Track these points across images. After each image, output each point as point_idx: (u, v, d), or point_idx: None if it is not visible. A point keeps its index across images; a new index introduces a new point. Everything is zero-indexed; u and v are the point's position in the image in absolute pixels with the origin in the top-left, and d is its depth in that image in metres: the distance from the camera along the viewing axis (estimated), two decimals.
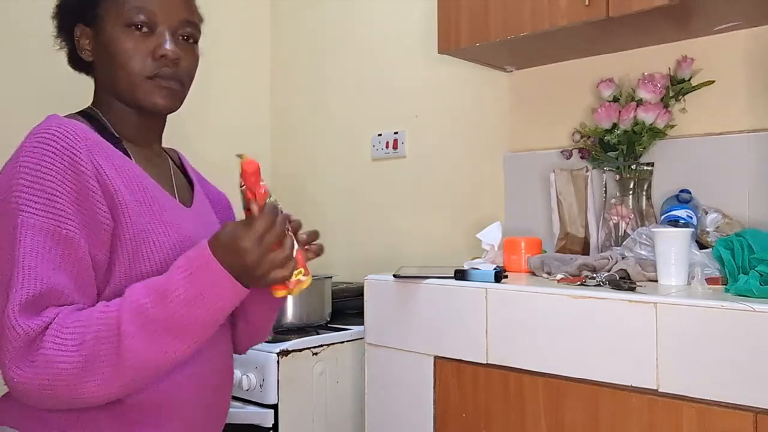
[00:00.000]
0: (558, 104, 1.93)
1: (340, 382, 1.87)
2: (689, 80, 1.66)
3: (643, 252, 1.49)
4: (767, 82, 1.59)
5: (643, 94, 1.66)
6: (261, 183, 0.90)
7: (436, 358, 1.50)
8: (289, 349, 1.72)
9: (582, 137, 1.82)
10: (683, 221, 1.55)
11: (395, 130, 2.34)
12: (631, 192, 1.69)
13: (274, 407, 1.70)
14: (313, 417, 1.80)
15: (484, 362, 1.40)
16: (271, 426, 1.70)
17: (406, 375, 1.56)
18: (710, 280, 1.33)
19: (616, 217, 1.68)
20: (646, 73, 1.69)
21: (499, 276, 1.44)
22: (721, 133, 1.65)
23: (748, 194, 1.60)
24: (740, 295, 1.17)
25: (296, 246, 0.94)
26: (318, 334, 1.86)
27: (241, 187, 0.89)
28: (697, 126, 1.68)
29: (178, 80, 1.00)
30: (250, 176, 0.88)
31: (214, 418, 1.04)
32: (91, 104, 1.04)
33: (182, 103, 1.04)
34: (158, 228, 0.94)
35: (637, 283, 1.31)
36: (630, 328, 1.20)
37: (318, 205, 2.60)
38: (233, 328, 1.12)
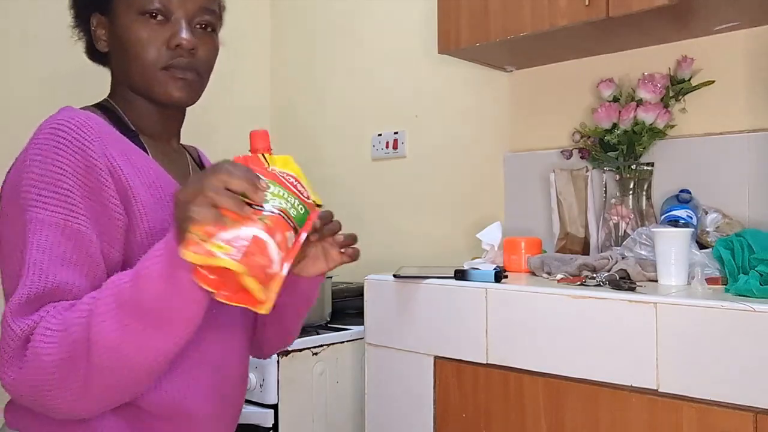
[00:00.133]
0: (558, 104, 1.93)
1: (340, 382, 1.87)
2: (689, 80, 1.66)
3: (643, 252, 1.49)
4: (767, 82, 1.59)
5: (643, 94, 1.66)
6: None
7: (436, 358, 1.50)
8: (289, 349, 1.72)
9: (582, 137, 1.82)
10: (683, 221, 1.55)
11: (395, 130, 2.34)
12: (631, 192, 1.69)
13: (274, 407, 1.70)
14: (313, 417, 1.80)
15: (484, 362, 1.40)
16: (271, 426, 1.70)
17: (406, 375, 1.56)
18: (710, 280, 1.33)
19: (616, 217, 1.68)
20: (646, 73, 1.69)
21: (499, 276, 1.44)
22: (721, 133, 1.65)
23: (748, 194, 1.60)
24: (740, 295, 1.17)
25: (258, 233, 0.71)
26: (318, 334, 1.86)
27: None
28: (697, 126, 1.68)
29: (194, 71, 0.95)
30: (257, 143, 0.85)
31: (224, 427, 1.01)
32: (108, 96, 1.00)
33: (200, 95, 0.99)
34: None
35: (637, 283, 1.31)
36: (630, 328, 1.20)
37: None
38: (262, 329, 1.10)
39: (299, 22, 2.69)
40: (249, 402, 1.73)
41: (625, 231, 1.66)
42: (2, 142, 2.02)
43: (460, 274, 1.48)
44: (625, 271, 1.39)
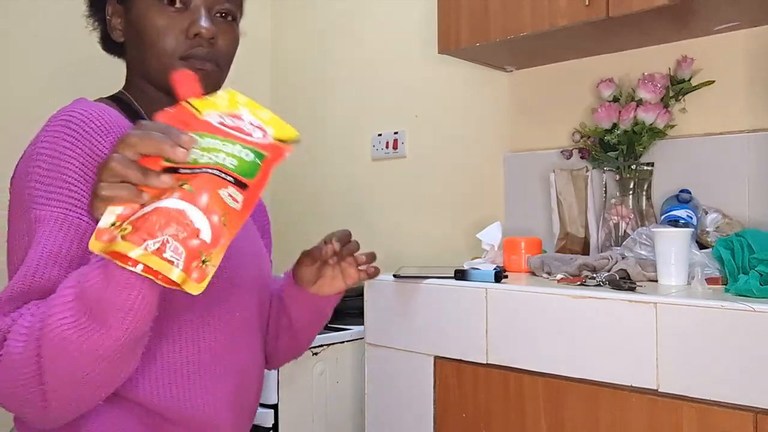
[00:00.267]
0: (558, 104, 1.93)
1: (340, 382, 1.87)
2: (689, 80, 1.66)
3: (643, 252, 1.49)
4: (767, 82, 1.59)
5: (643, 94, 1.66)
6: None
7: (436, 358, 1.50)
8: None
9: (582, 137, 1.82)
10: (683, 221, 1.55)
11: (395, 130, 2.34)
12: (631, 192, 1.69)
13: (274, 407, 1.70)
14: (313, 417, 1.80)
15: (484, 362, 1.40)
16: (271, 426, 1.70)
17: (406, 375, 1.55)
18: (710, 280, 1.32)
19: (616, 217, 1.68)
20: (646, 73, 1.69)
21: (499, 276, 1.44)
22: (721, 133, 1.65)
23: (748, 194, 1.60)
24: (740, 295, 1.17)
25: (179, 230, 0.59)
26: (318, 333, 1.86)
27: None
28: (697, 126, 1.68)
29: (213, 61, 0.91)
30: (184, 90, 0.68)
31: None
32: (123, 88, 0.97)
33: (219, 88, 0.89)
34: None
35: (637, 283, 1.31)
36: (630, 328, 1.20)
37: (318, 205, 2.60)
38: (275, 341, 1.09)
39: (299, 22, 2.69)
40: None
41: (625, 231, 1.66)
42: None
43: (460, 274, 1.48)
44: (625, 271, 1.39)
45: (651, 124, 1.66)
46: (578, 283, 1.39)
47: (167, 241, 0.58)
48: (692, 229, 1.40)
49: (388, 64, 2.37)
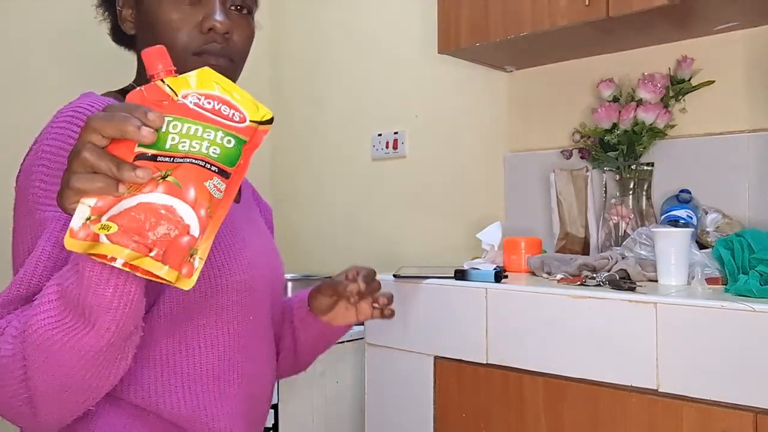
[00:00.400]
0: (558, 104, 1.93)
1: (340, 382, 1.87)
2: (689, 80, 1.66)
3: (643, 252, 1.49)
4: (767, 82, 1.59)
5: (643, 94, 1.66)
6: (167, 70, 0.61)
7: (436, 358, 1.50)
8: None
9: (582, 137, 1.82)
10: (683, 221, 1.55)
11: (395, 130, 2.34)
12: (631, 192, 1.69)
13: (274, 407, 1.70)
14: (313, 417, 1.80)
15: (484, 362, 1.40)
16: (271, 426, 1.70)
17: (406, 375, 1.55)
18: (710, 280, 1.32)
19: (616, 217, 1.68)
20: (646, 73, 1.69)
21: (499, 276, 1.44)
22: (721, 133, 1.65)
23: (748, 194, 1.60)
24: (740, 295, 1.17)
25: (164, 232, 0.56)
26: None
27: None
28: (697, 126, 1.68)
29: (228, 57, 0.87)
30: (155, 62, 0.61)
31: None
32: (133, 81, 0.93)
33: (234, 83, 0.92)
34: None
35: (637, 283, 1.31)
36: (630, 328, 1.20)
37: (318, 204, 2.60)
38: (277, 357, 1.08)
39: (299, 22, 2.69)
40: None
41: (625, 231, 1.66)
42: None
43: (460, 274, 1.48)
44: (625, 271, 1.39)
45: (651, 124, 1.66)
46: (578, 283, 1.39)
47: (158, 241, 0.55)
48: (692, 229, 1.40)
49: (388, 64, 2.37)
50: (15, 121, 2.03)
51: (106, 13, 0.94)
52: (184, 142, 0.57)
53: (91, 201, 0.55)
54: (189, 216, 0.56)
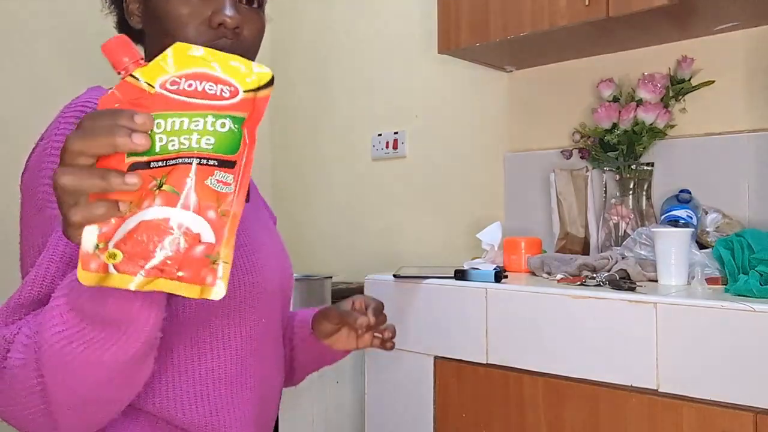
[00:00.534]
0: (558, 104, 1.93)
1: (340, 383, 1.87)
2: (689, 80, 1.66)
3: (643, 252, 1.49)
4: (767, 82, 1.59)
5: (643, 94, 1.67)
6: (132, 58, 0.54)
7: (436, 358, 1.50)
8: None
9: (582, 137, 1.82)
10: (683, 221, 1.55)
11: (395, 130, 2.34)
12: (631, 192, 1.69)
13: None
14: (313, 417, 1.80)
15: (484, 362, 1.40)
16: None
17: (406, 375, 1.55)
18: (710, 280, 1.33)
19: (616, 217, 1.68)
20: (646, 73, 1.69)
21: (499, 276, 1.44)
22: (721, 133, 1.65)
23: (748, 194, 1.60)
24: (740, 295, 1.17)
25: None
26: None
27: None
28: (697, 126, 1.68)
29: (237, 54, 0.85)
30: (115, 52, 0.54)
31: None
32: None
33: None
34: None
35: (637, 283, 1.31)
36: (630, 328, 1.20)
37: (318, 205, 2.60)
38: None
39: (299, 22, 2.69)
40: None
41: (625, 231, 1.66)
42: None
43: (460, 274, 1.48)
44: (625, 271, 1.39)
45: (651, 124, 1.66)
46: (578, 283, 1.39)
47: (168, 261, 0.50)
48: (692, 229, 1.40)
49: (388, 64, 2.37)
50: (18, 117, 2.03)
51: (113, 6, 0.92)
52: (173, 140, 0.50)
53: (97, 229, 0.50)
54: (195, 223, 0.50)
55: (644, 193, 1.70)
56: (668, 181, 1.70)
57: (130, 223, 0.49)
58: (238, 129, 0.52)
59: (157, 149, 0.50)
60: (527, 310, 1.34)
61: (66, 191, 0.50)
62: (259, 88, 0.54)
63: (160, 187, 0.50)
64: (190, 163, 0.50)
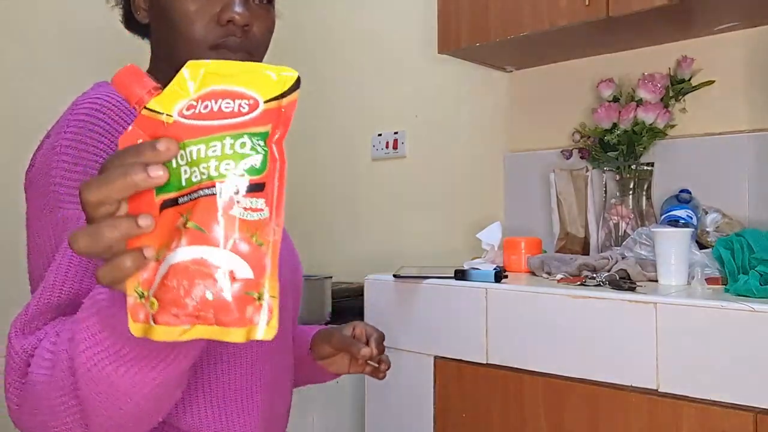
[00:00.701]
0: (558, 104, 1.93)
1: (340, 382, 1.87)
2: (689, 80, 1.66)
3: (643, 252, 1.49)
4: (767, 82, 1.59)
5: (643, 94, 1.66)
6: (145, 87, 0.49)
7: (436, 358, 1.50)
8: None
9: (582, 137, 1.82)
10: (683, 221, 1.55)
11: (395, 130, 2.34)
12: (631, 192, 1.69)
13: None
14: (313, 417, 1.80)
15: (484, 362, 1.40)
16: None
17: (406, 375, 1.55)
18: (710, 280, 1.32)
19: (616, 217, 1.68)
20: (646, 73, 1.69)
21: (499, 276, 1.44)
22: (721, 133, 1.65)
23: (748, 194, 1.60)
24: (740, 295, 1.17)
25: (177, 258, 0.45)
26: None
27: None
28: (697, 126, 1.68)
29: (246, 51, 0.82)
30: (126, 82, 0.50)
31: None
32: (147, 70, 0.86)
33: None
34: None
35: (637, 283, 1.31)
36: (630, 328, 1.20)
37: (318, 205, 2.60)
38: None
39: (299, 22, 2.69)
40: None
41: (625, 231, 1.66)
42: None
43: (460, 274, 1.48)
44: (625, 271, 1.39)
45: (651, 124, 1.66)
46: (578, 283, 1.39)
47: (203, 305, 0.45)
48: (692, 229, 1.40)
49: (388, 64, 2.37)
50: (20, 114, 2.02)
51: None
52: (194, 170, 0.45)
53: (136, 278, 0.47)
54: (228, 260, 0.45)
55: (644, 193, 1.70)
56: (668, 181, 1.70)
57: (163, 267, 0.45)
58: (262, 146, 0.46)
59: (183, 183, 0.46)
60: (527, 310, 1.34)
61: (85, 253, 0.47)
62: (283, 94, 0.47)
63: (185, 225, 0.45)
64: (213, 194, 0.45)
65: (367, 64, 2.45)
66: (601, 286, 1.33)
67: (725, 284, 1.31)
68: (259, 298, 0.45)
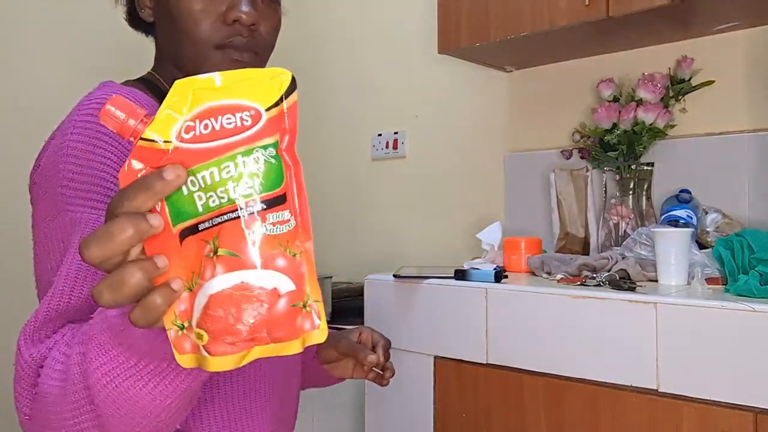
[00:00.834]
0: (558, 104, 1.93)
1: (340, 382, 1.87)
2: (689, 80, 1.66)
3: (643, 252, 1.49)
4: (767, 82, 1.59)
5: (643, 94, 1.66)
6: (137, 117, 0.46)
7: (436, 358, 1.50)
8: None
9: (582, 137, 1.82)
10: (683, 221, 1.55)
11: (395, 130, 2.34)
12: (631, 192, 1.69)
13: None
14: (314, 417, 1.80)
15: (484, 362, 1.40)
16: None
17: (406, 375, 1.55)
18: (710, 280, 1.32)
19: (616, 217, 1.68)
20: (646, 73, 1.69)
21: (499, 276, 1.44)
22: (721, 133, 1.65)
23: (748, 194, 1.60)
24: (740, 295, 1.17)
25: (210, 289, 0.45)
26: None
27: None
28: (697, 126, 1.68)
29: (252, 51, 0.81)
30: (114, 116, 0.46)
31: None
32: (152, 69, 0.86)
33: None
34: None
35: (637, 283, 1.31)
36: (630, 328, 1.20)
37: (318, 204, 2.60)
38: None
39: (299, 22, 2.69)
40: None
41: (625, 231, 1.66)
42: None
43: (460, 274, 1.48)
44: (625, 271, 1.39)
45: (651, 124, 1.66)
46: (578, 283, 1.39)
47: (256, 328, 0.44)
48: (692, 229, 1.40)
49: (388, 64, 2.37)
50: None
51: None
52: (212, 195, 0.44)
53: (172, 311, 0.46)
54: (269, 279, 0.44)
55: (644, 193, 1.70)
56: (668, 181, 1.70)
57: (201, 298, 0.44)
58: (274, 156, 0.45)
59: (200, 209, 0.44)
60: (527, 310, 1.34)
61: (113, 306, 0.45)
62: (282, 98, 0.45)
63: (215, 252, 0.44)
64: (238, 217, 0.44)
65: (367, 64, 2.45)
66: (601, 286, 1.32)
67: (725, 284, 1.31)
68: (305, 306, 0.46)
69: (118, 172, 0.61)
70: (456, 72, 2.14)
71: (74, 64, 2.09)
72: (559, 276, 1.47)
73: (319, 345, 1.05)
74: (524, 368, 1.34)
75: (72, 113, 0.73)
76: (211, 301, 0.44)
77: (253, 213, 0.44)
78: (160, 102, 0.64)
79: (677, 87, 1.67)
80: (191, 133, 0.44)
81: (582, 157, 1.81)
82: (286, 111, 0.45)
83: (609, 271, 1.41)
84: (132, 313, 0.45)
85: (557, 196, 1.84)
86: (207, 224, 0.44)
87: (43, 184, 0.72)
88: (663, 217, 1.60)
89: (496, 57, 1.91)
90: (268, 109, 0.45)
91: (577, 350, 1.26)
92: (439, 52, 1.83)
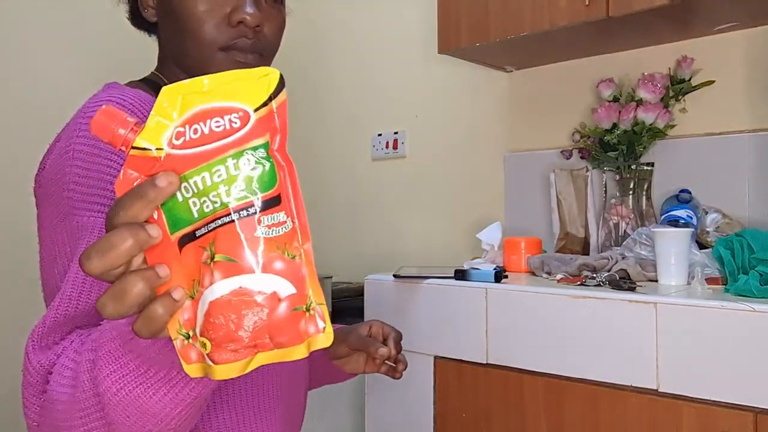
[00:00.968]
0: (558, 104, 1.93)
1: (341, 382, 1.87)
2: (689, 80, 1.66)
3: (643, 252, 1.49)
4: (767, 82, 1.59)
5: (643, 94, 1.67)
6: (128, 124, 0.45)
7: (436, 358, 1.50)
8: None
9: (582, 137, 1.82)
10: (683, 221, 1.55)
11: (395, 130, 2.34)
12: (631, 192, 1.69)
13: None
14: (314, 417, 1.80)
15: (484, 362, 1.40)
16: None
17: (406, 375, 1.55)
18: (710, 280, 1.32)
19: (616, 217, 1.68)
20: (646, 73, 1.69)
21: (499, 276, 1.44)
22: (721, 133, 1.65)
23: (748, 194, 1.60)
24: (740, 295, 1.17)
25: (206, 298, 0.44)
26: None
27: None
28: (697, 126, 1.68)
29: (257, 53, 0.79)
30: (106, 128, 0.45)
31: None
32: (155, 69, 0.85)
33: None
34: None
35: (637, 283, 1.31)
36: (630, 328, 1.20)
37: (318, 204, 2.60)
38: None
39: (299, 22, 2.69)
40: None
41: (625, 231, 1.66)
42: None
43: (460, 274, 1.48)
44: (625, 271, 1.39)
45: (651, 124, 1.66)
46: (578, 283, 1.39)
47: (257, 334, 0.44)
48: (692, 229, 1.40)
49: (388, 64, 2.37)
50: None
51: None
52: (205, 201, 0.43)
53: (176, 321, 0.45)
54: (267, 283, 0.44)
55: (644, 193, 1.70)
56: (668, 181, 1.70)
57: (203, 306, 0.44)
58: (266, 157, 0.44)
59: (195, 215, 0.44)
60: (527, 310, 1.34)
61: (117, 318, 0.45)
62: (270, 98, 0.45)
63: (212, 258, 0.43)
64: (232, 221, 0.43)
65: (367, 64, 2.45)
66: (601, 286, 1.33)
67: (725, 284, 1.31)
68: (308, 309, 0.45)
69: None
70: (456, 72, 2.14)
71: (79, 64, 2.09)
72: (559, 276, 1.47)
73: None
74: (524, 368, 1.34)
75: (77, 116, 0.72)
76: (211, 308, 0.44)
77: (247, 216, 0.43)
78: None
79: (677, 87, 1.67)
80: (182, 139, 0.44)
81: (582, 157, 1.81)
82: (275, 110, 0.45)
83: (609, 271, 1.41)
84: (135, 324, 0.45)
85: (557, 196, 1.84)
86: (203, 230, 0.44)
87: (48, 187, 0.71)
88: (663, 217, 1.60)
89: (495, 57, 1.91)
90: (256, 110, 0.44)
91: (577, 350, 1.26)
92: (439, 52, 1.83)
